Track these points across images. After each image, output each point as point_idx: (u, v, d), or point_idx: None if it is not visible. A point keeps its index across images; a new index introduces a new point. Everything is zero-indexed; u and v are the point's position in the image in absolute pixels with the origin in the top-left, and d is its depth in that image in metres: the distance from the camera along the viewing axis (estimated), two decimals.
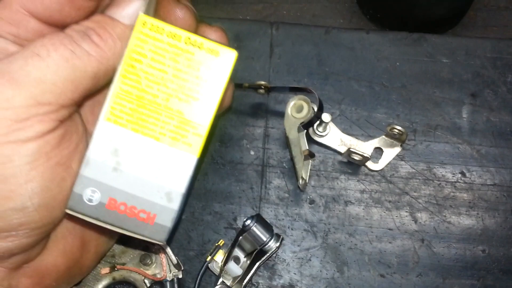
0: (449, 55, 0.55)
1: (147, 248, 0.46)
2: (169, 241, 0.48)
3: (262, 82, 0.48)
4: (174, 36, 0.34)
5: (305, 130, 0.48)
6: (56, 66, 0.33)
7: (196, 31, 0.44)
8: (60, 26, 0.37)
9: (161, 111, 0.34)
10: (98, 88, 0.36)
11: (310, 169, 0.50)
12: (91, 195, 0.34)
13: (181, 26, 0.35)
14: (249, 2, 0.56)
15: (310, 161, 0.48)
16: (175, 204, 0.35)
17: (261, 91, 0.49)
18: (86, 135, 0.38)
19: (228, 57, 0.35)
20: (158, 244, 0.37)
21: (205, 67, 0.34)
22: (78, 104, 0.36)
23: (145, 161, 0.34)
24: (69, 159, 0.35)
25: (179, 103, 0.34)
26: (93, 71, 0.34)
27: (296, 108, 0.48)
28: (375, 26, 0.58)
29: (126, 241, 0.46)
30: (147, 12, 0.34)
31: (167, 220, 0.35)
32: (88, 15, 0.38)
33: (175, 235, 0.49)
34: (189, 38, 0.34)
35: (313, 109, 0.48)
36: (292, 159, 0.49)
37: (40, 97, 0.32)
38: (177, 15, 0.39)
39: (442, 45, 0.55)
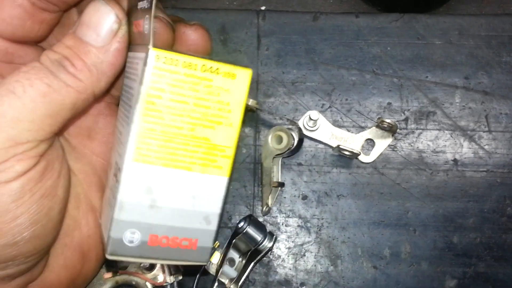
0: (442, 36, 0.53)
1: None
2: None
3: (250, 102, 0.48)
4: (190, 66, 0.33)
5: (280, 159, 0.50)
6: (33, 103, 0.32)
7: (174, 37, 0.43)
8: (26, 42, 0.36)
9: (188, 141, 0.34)
10: (77, 114, 0.36)
11: (302, 164, 0.50)
12: (131, 237, 0.34)
13: (157, 39, 0.34)
14: None
15: (278, 188, 0.49)
16: (214, 225, 0.36)
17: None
18: (66, 156, 0.37)
19: (244, 77, 0.35)
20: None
21: (224, 91, 0.34)
22: (57, 134, 0.35)
23: (179, 192, 0.34)
24: (54, 188, 0.35)
25: (204, 130, 0.34)
26: (71, 102, 0.33)
27: (276, 139, 0.49)
28: (367, 5, 0.56)
29: None
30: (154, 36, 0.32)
31: (208, 242, 0.36)
32: (52, 28, 0.38)
33: None
34: (205, 66, 0.33)
35: (293, 137, 0.49)
36: (261, 185, 0.50)
37: (18, 137, 0.32)
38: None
39: (434, 26, 0.53)
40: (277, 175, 0.50)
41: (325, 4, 0.57)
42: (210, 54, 0.45)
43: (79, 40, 0.34)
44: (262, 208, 0.50)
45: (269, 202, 0.49)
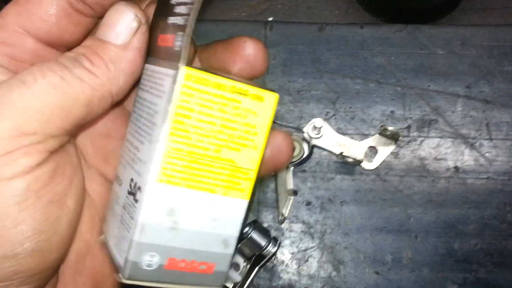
0: (445, 46, 0.54)
1: None
2: None
3: None
4: (220, 86, 0.33)
5: (292, 168, 0.51)
6: (43, 92, 0.30)
7: (194, 53, 0.43)
8: (57, 46, 0.36)
9: (213, 163, 0.33)
10: (94, 116, 0.35)
11: (306, 171, 0.52)
12: (149, 260, 0.33)
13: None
14: None
15: (292, 197, 0.50)
16: (231, 249, 0.35)
17: None
18: (81, 167, 0.36)
19: (271, 100, 0.34)
20: None
21: (252, 114, 0.34)
22: (70, 134, 0.34)
23: (201, 214, 0.34)
24: (64, 196, 0.33)
25: (229, 152, 0.34)
26: (86, 98, 0.32)
27: None
28: (371, 16, 0.58)
29: None
30: (184, 54, 0.32)
31: (225, 266, 0.35)
32: (86, 33, 0.37)
33: None
34: (234, 87, 0.33)
35: (304, 149, 0.50)
36: (276, 193, 0.51)
37: (25, 127, 0.30)
38: None
39: (437, 36, 0.54)
40: (290, 183, 0.51)
41: (331, 15, 0.58)
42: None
43: (98, 40, 0.34)
44: (279, 217, 0.51)
45: (285, 211, 0.50)
